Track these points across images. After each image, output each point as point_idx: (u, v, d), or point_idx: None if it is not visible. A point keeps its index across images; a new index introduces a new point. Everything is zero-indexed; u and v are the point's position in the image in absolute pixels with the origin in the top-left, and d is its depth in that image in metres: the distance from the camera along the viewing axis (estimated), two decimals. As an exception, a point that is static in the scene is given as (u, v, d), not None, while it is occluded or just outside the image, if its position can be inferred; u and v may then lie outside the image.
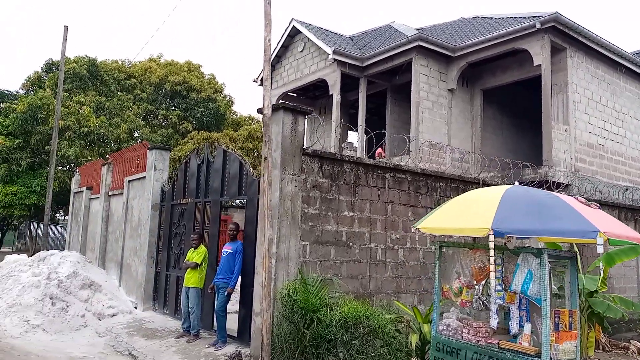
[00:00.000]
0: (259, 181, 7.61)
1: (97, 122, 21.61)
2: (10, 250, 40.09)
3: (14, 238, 44.15)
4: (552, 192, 5.15)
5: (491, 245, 4.18)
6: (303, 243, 7.04)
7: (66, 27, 17.42)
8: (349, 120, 18.35)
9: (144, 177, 11.09)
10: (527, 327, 4.48)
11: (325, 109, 19.33)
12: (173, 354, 7.38)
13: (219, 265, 7.84)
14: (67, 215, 29.78)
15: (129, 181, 11.99)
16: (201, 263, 8.14)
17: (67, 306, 9.65)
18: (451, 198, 9.22)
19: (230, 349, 7.33)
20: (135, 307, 10.50)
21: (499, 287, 4.61)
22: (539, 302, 4.31)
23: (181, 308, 8.32)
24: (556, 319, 4.39)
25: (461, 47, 14.82)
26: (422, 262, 8.52)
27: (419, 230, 5.06)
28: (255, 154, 22.83)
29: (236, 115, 28.94)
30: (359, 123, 15.57)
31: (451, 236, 7.42)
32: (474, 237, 5.24)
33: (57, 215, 33.90)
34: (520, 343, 4.44)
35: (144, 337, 8.47)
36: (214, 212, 8.76)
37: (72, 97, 22.71)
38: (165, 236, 10.23)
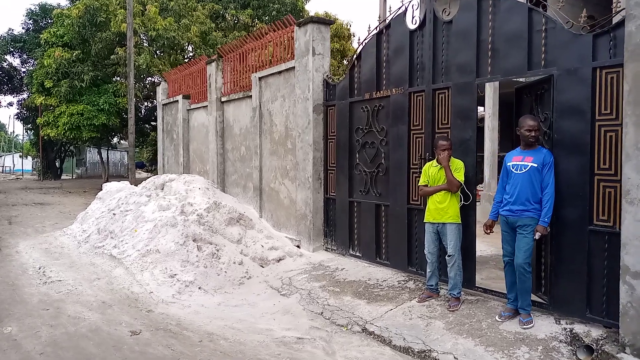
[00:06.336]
0: (594, 37, 4.24)
1: (164, 24, 18.18)
2: (71, 177, 38.78)
3: (72, 165, 42.75)
4: None
5: None
6: None
7: None
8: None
9: (292, 67, 7.82)
10: None
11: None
12: (449, 334, 4.46)
13: (505, 188, 4.69)
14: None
15: (259, 78, 8.77)
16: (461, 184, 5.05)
17: (217, 250, 6.89)
18: None
19: (552, 326, 4.35)
20: (298, 247, 7.70)
21: None
22: None
23: (425, 256, 5.34)
24: None
25: None
26: None
27: None
28: (340, 57, 19.18)
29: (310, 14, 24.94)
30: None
31: None
32: None
33: (115, 139, 30.98)
34: None
35: (357, 297, 5.62)
36: (460, 103, 5.44)
37: (130, -4, 19.12)
38: (341, 149, 7.12)
